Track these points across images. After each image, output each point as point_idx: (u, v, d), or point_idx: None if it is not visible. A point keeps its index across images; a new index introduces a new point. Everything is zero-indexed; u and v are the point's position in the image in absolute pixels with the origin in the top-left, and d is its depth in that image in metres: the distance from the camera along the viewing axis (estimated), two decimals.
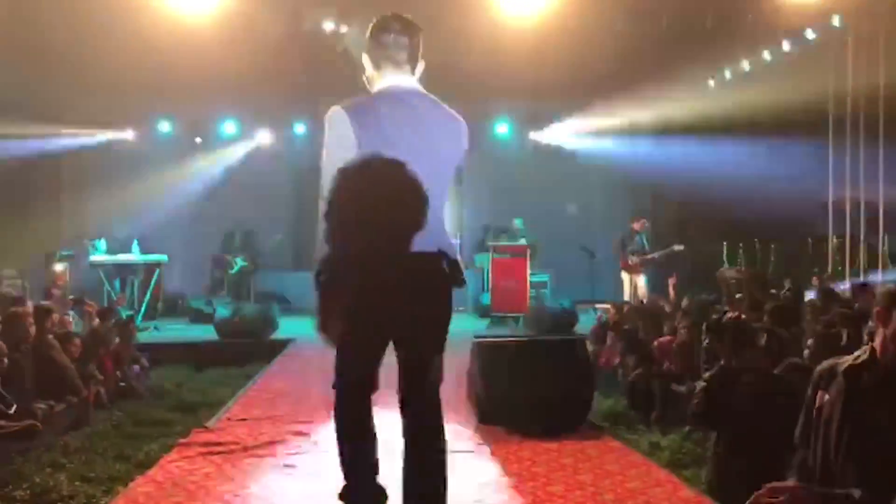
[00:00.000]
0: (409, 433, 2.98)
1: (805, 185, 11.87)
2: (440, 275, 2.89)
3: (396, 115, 2.88)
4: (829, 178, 11.41)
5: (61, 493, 3.83)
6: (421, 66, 3.03)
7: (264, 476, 4.22)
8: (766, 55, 12.14)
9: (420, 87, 3.01)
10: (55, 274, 11.61)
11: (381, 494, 3.06)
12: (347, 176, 2.91)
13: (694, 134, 13.34)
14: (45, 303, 7.08)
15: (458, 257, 3.00)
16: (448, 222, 3.08)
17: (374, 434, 3.06)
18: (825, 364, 2.73)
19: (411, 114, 2.91)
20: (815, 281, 10.12)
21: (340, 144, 2.92)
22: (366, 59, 3.02)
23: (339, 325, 2.99)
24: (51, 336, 5.97)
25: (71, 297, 9.80)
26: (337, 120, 2.91)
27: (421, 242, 2.81)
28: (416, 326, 2.91)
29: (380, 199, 2.84)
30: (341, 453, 3.02)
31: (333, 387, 3.02)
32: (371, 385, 3.05)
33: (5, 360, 4.98)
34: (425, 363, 2.94)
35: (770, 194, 11.65)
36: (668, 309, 8.30)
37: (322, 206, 3.06)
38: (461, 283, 2.99)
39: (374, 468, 3.05)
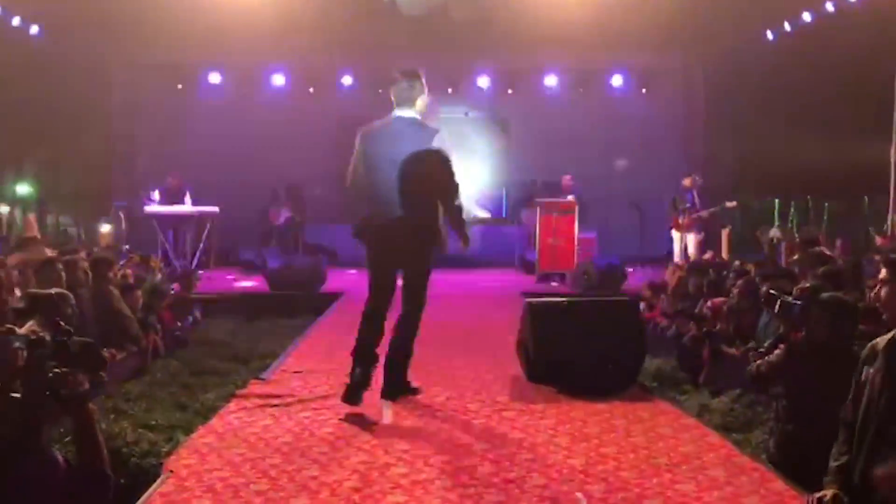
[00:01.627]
0: (402, 317, 4.96)
1: (865, 139, 11.49)
2: (418, 233, 4.80)
3: (382, 135, 4.92)
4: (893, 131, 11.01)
5: (126, 440, 3.95)
6: (421, 100, 4.97)
7: (319, 429, 4.31)
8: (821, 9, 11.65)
9: (411, 115, 4.93)
10: (101, 235, 11.85)
11: (366, 384, 4.73)
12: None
13: (751, 86, 13.00)
14: (107, 254, 7.25)
15: (439, 224, 4.82)
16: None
17: (376, 353, 4.85)
18: (874, 341, 2.92)
19: (393, 133, 4.88)
20: (878, 241, 9.83)
21: (356, 152, 4.98)
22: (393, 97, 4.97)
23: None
24: (112, 286, 6.12)
25: (127, 249, 9.99)
26: (357, 136, 5.01)
27: (404, 211, 4.72)
28: (407, 266, 4.97)
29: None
30: (353, 354, 4.81)
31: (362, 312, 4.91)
32: (385, 312, 4.96)
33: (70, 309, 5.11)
34: (414, 286, 4.98)
35: (827, 150, 11.33)
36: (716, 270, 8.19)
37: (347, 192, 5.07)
38: (435, 242, 4.89)
39: (373, 361, 4.80)
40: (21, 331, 3.64)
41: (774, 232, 11.98)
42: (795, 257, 7.54)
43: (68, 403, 2.52)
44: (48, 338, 2.65)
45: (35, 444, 2.43)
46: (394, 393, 4.83)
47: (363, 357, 4.75)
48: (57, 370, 2.51)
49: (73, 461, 2.55)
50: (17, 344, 2.63)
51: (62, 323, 2.81)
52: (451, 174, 4.75)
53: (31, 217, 10.75)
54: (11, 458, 2.37)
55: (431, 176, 4.73)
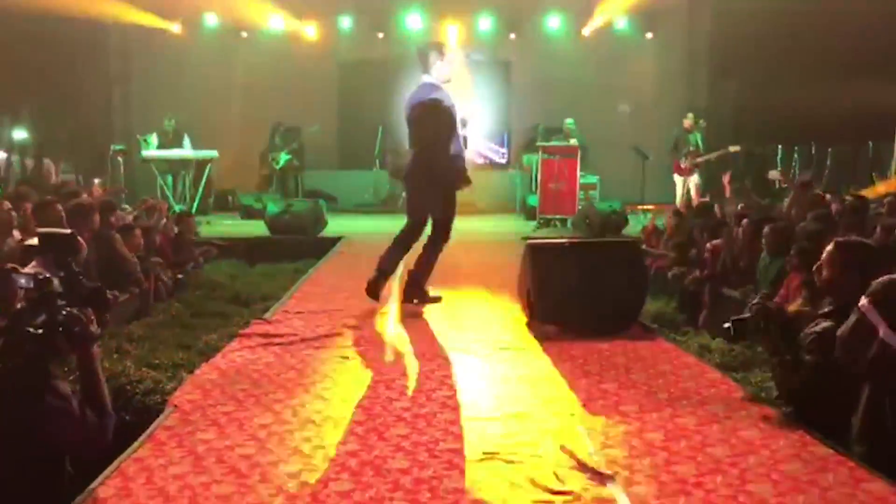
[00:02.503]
0: (431, 238, 5.92)
1: (870, 84, 11.35)
2: (424, 174, 5.78)
3: (409, 97, 5.90)
4: None
5: (130, 378, 3.98)
6: (435, 68, 5.74)
7: (322, 366, 4.34)
8: None
9: (429, 79, 5.76)
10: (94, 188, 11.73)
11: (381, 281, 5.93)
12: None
13: (755, 31, 12.78)
14: (109, 198, 7.22)
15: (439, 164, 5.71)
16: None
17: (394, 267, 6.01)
18: None
19: (413, 95, 5.87)
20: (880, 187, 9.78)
21: None
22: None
23: None
24: (112, 230, 6.11)
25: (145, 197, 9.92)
26: None
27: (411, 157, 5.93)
28: (425, 201, 5.89)
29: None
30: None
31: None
32: (410, 242, 6.02)
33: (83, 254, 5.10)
34: (434, 218, 5.90)
35: (832, 95, 11.20)
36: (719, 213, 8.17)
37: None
38: (438, 180, 5.75)
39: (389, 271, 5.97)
40: (26, 270, 3.64)
41: (774, 174, 11.92)
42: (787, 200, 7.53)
43: (77, 342, 2.54)
44: (56, 278, 2.65)
45: (46, 378, 2.46)
46: (411, 297, 5.86)
47: (381, 264, 5.90)
48: (70, 309, 2.52)
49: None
50: (21, 282, 2.63)
51: (74, 265, 2.81)
52: (437, 121, 5.67)
53: (49, 164, 10.61)
54: (26, 389, 2.39)
55: (421, 122, 5.75)
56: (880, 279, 3.02)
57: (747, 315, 3.69)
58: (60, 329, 2.47)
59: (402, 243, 5.97)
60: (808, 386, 3.40)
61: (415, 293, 5.88)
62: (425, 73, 5.77)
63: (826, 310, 3.51)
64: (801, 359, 3.45)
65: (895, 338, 2.88)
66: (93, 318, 2.60)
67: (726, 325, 3.74)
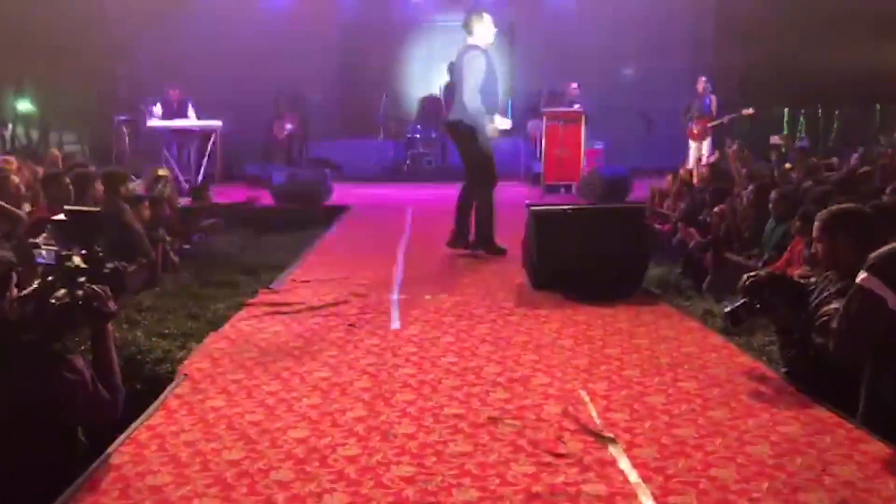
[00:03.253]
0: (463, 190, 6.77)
1: (878, 45, 11.23)
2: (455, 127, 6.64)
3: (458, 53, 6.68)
4: None
5: (140, 348, 4.04)
6: (475, 31, 6.55)
7: (330, 334, 4.40)
8: None
9: (470, 41, 6.57)
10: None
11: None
12: None
13: None
14: (118, 168, 7.25)
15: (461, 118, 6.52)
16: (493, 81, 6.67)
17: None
18: None
19: (458, 54, 6.66)
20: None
21: None
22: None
23: None
24: (120, 199, 6.14)
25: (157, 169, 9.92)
26: None
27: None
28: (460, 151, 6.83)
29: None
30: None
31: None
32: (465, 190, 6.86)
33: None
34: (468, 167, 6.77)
35: (839, 57, 11.09)
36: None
37: None
38: (467, 133, 6.52)
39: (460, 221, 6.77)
40: (38, 240, 3.69)
41: (776, 139, 11.87)
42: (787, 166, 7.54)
43: (94, 317, 2.60)
44: (75, 254, 2.70)
45: (62, 351, 2.52)
46: (480, 246, 6.63)
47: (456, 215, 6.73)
48: (90, 285, 2.57)
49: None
50: (42, 257, 2.68)
51: (96, 246, 2.86)
52: (462, 77, 6.53)
53: (54, 153, 10.58)
54: (43, 362, 2.45)
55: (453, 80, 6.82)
56: (878, 251, 2.94)
57: (739, 303, 3.64)
58: (80, 303, 2.52)
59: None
60: (819, 368, 3.35)
61: (484, 244, 6.65)
62: (469, 36, 6.58)
63: (837, 287, 3.36)
64: (810, 339, 3.34)
65: None
66: (110, 295, 2.65)
67: (726, 309, 3.74)
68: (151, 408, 3.31)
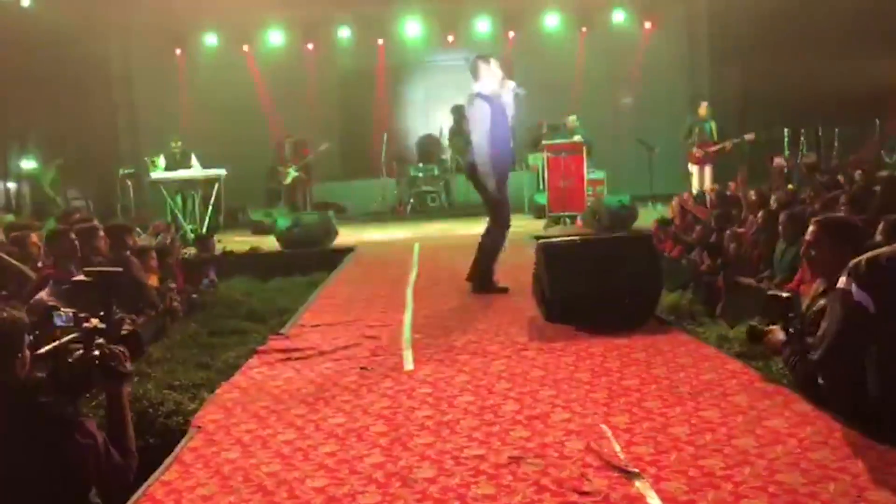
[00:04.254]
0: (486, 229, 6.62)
1: (874, 61, 11.27)
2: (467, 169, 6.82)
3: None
4: None
5: (151, 401, 3.99)
6: (481, 76, 6.37)
7: (343, 378, 4.34)
8: None
9: (475, 89, 6.38)
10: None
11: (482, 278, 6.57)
12: None
13: (755, 12, 12.73)
14: (124, 222, 7.26)
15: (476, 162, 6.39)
16: (507, 123, 6.56)
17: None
18: None
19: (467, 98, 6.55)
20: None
21: None
22: None
23: None
24: (128, 252, 6.13)
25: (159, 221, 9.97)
26: None
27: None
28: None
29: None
30: None
31: None
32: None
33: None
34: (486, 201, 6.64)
35: (837, 75, 11.13)
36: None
37: None
38: (478, 175, 6.43)
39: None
40: (42, 296, 3.65)
41: (779, 161, 11.86)
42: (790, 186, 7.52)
43: (111, 379, 2.55)
44: (93, 316, 2.66)
45: (76, 414, 2.47)
46: (478, 288, 6.49)
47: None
48: (108, 347, 2.54)
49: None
50: (61, 320, 2.65)
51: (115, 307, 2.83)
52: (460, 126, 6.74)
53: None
54: (57, 424, 2.40)
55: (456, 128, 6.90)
56: (857, 258, 3.02)
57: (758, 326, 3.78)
58: (97, 363, 2.49)
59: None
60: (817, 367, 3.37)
61: (483, 285, 6.53)
62: (475, 81, 6.41)
63: (822, 289, 3.53)
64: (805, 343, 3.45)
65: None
66: (127, 356, 2.62)
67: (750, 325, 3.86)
68: (166, 462, 3.25)
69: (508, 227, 6.63)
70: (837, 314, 3.06)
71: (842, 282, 3.04)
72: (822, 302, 3.43)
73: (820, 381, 3.39)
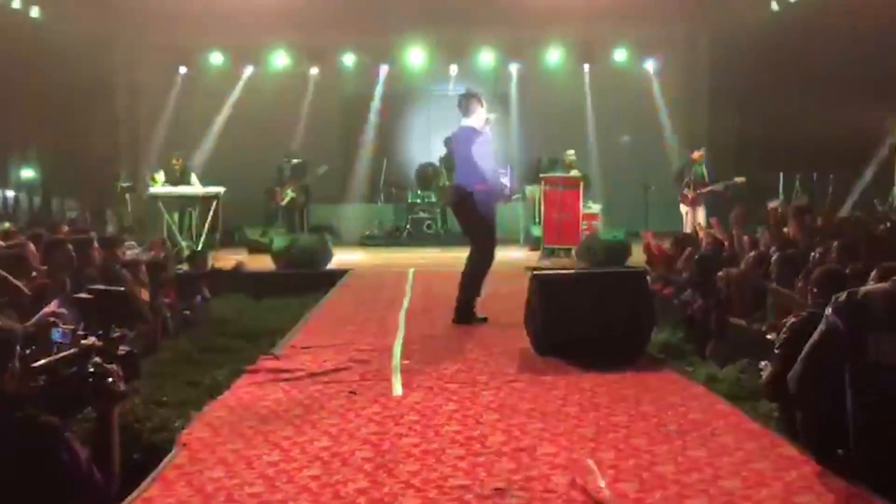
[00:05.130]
0: (469, 258, 6.73)
1: (868, 110, 11.40)
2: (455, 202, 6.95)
3: (453, 137, 7.09)
4: None
5: (137, 416, 3.96)
6: (473, 112, 6.67)
7: (331, 401, 4.33)
8: None
9: (467, 123, 6.69)
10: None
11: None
12: None
13: (754, 58, 12.90)
14: (114, 234, 7.26)
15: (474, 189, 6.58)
16: (494, 157, 6.91)
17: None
18: None
19: (456, 137, 6.91)
20: None
21: None
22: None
23: None
24: (119, 265, 6.13)
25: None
26: None
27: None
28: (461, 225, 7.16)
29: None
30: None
31: None
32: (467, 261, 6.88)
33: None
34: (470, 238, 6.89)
35: (833, 122, 11.24)
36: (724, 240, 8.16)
37: None
38: (466, 208, 6.70)
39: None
40: (47, 310, 3.65)
41: (774, 203, 11.95)
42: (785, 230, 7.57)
43: (104, 396, 2.54)
44: (91, 334, 2.66)
45: (62, 431, 2.45)
46: (459, 319, 6.49)
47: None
48: (103, 366, 2.53)
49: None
50: (57, 336, 2.64)
51: (113, 325, 2.82)
52: (460, 157, 6.81)
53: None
54: (42, 440, 2.38)
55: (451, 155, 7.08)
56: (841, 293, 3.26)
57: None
58: (91, 380, 2.47)
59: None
60: (779, 378, 3.54)
61: (464, 316, 6.55)
62: (465, 117, 6.67)
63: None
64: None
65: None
66: (122, 376, 2.60)
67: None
68: (148, 479, 3.24)
69: (493, 257, 6.78)
70: (815, 335, 3.31)
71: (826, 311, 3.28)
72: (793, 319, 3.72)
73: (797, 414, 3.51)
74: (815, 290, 3.90)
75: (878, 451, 3.02)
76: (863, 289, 3.30)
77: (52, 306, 4.65)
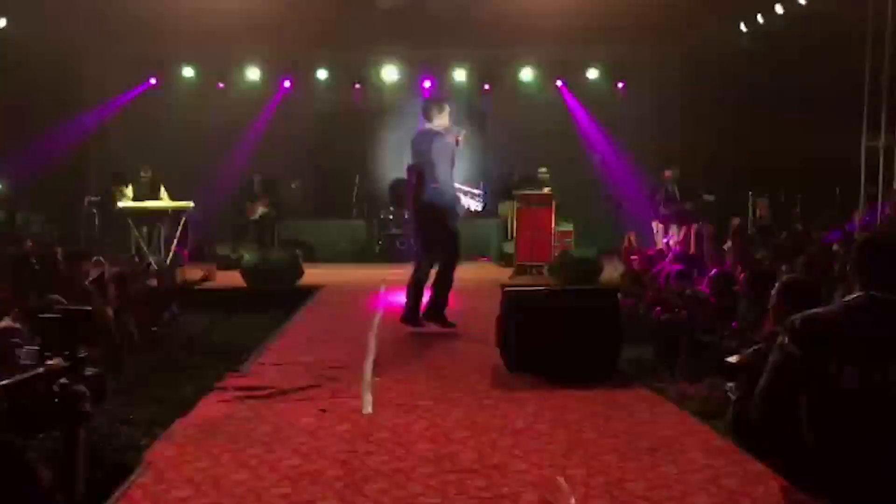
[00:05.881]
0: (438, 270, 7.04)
1: (838, 132, 11.62)
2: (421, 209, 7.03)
3: (415, 139, 7.18)
4: (863, 124, 11.10)
5: (102, 434, 3.89)
6: (434, 117, 7.03)
7: (300, 419, 4.29)
8: None
9: (431, 126, 7.04)
10: None
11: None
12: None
13: (724, 79, 13.12)
14: (79, 249, 7.16)
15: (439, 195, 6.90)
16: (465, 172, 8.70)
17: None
18: None
19: (415, 134, 7.21)
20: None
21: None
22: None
23: None
24: (86, 282, 6.04)
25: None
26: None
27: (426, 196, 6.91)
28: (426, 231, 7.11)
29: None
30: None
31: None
32: (427, 268, 7.14)
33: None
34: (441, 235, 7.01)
35: (802, 143, 11.44)
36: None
37: None
38: (429, 214, 6.96)
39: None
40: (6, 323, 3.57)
41: (736, 220, 12.15)
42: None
43: (70, 418, 2.49)
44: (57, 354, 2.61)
45: (24, 448, 2.40)
46: (431, 317, 6.94)
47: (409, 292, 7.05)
48: (70, 386, 2.48)
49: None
50: (22, 357, 2.59)
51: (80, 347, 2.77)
52: (432, 161, 6.88)
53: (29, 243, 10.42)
54: (7, 466, 2.32)
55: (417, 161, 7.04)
56: (794, 316, 3.11)
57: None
58: (56, 401, 2.42)
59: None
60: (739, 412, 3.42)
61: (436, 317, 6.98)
62: (427, 122, 7.06)
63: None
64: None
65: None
66: (88, 397, 2.56)
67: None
68: (112, 498, 3.17)
69: (458, 261, 7.18)
70: (770, 363, 3.18)
71: (779, 338, 3.17)
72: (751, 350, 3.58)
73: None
74: (777, 303, 3.85)
75: (838, 477, 3.01)
76: (813, 311, 3.19)
77: (6, 322, 4.57)
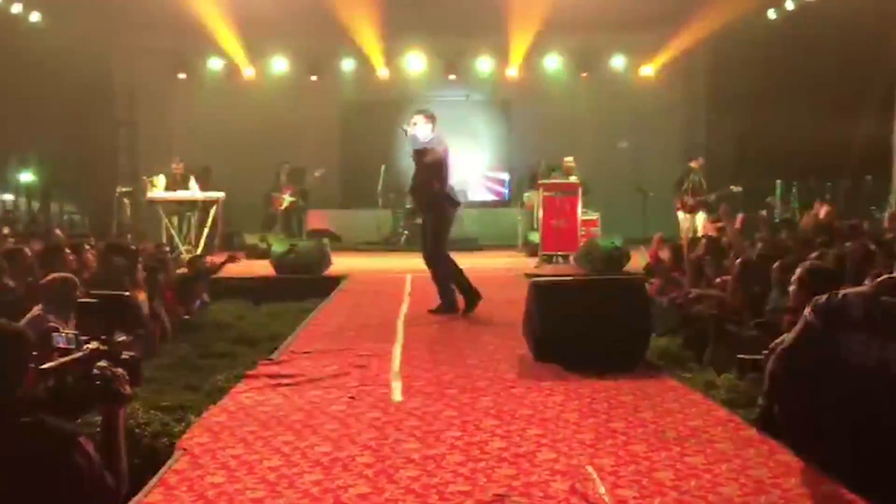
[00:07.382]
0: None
1: (867, 118, 11.46)
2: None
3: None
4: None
5: (138, 421, 3.96)
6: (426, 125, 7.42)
7: (330, 407, 4.34)
8: None
9: (430, 135, 7.38)
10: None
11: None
12: None
13: (752, 68, 12.97)
14: (115, 240, 7.28)
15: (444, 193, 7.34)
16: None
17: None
18: None
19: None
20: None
21: None
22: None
23: None
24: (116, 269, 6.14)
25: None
26: None
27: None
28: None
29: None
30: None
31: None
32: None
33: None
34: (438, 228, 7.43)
35: (830, 130, 11.31)
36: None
37: None
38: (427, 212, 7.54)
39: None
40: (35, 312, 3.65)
41: (772, 199, 12.02)
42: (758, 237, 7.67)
43: (109, 400, 2.55)
44: (95, 339, 2.67)
45: (75, 434, 2.46)
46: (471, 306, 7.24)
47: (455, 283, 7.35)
48: (109, 369, 2.54)
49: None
50: (60, 341, 2.65)
51: (119, 329, 2.83)
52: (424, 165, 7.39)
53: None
54: (55, 444, 2.38)
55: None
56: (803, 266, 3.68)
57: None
58: (97, 383, 2.48)
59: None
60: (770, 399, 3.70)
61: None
62: (419, 132, 7.37)
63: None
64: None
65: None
66: (127, 379, 2.61)
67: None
68: (149, 485, 3.24)
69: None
70: (793, 332, 3.50)
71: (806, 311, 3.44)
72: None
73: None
74: (796, 287, 4.16)
75: (845, 448, 3.15)
76: (843, 291, 3.42)
77: (36, 310, 4.67)
